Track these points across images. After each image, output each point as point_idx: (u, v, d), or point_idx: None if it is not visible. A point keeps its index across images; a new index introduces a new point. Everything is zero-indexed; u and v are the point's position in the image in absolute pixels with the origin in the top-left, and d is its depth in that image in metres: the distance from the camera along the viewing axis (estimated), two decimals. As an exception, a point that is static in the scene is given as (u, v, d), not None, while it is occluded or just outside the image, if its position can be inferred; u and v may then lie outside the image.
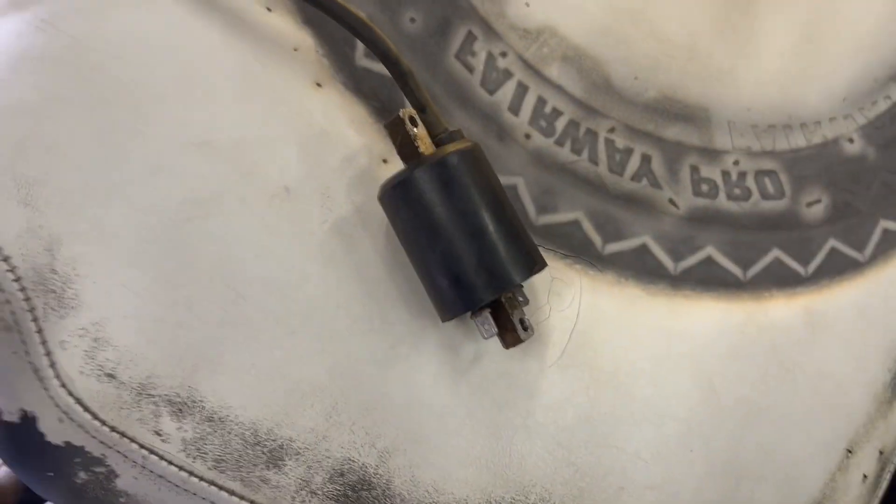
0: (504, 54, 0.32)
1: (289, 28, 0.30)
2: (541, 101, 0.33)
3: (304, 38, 0.31)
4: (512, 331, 0.27)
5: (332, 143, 0.30)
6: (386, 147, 0.31)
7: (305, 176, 0.30)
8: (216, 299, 0.28)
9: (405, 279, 0.30)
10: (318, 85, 0.30)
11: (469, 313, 0.28)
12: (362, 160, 0.30)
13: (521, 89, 0.33)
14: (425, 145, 0.27)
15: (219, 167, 0.29)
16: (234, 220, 0.29)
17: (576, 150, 0.33)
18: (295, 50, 0.30)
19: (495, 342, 0.30)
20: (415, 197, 0.26)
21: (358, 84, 0.31)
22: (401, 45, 0.32)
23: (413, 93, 0.28)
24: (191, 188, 0.28)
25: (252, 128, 0.29)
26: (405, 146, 0.27)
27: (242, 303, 0.28)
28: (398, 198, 0.27)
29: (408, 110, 0.27)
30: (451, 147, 0.27)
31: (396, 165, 0.30)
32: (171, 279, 0.28)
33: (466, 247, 0.26)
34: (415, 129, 0.27)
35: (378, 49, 0.28)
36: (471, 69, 0.32)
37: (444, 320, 0.28)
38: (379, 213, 0.30)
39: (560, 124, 0.33)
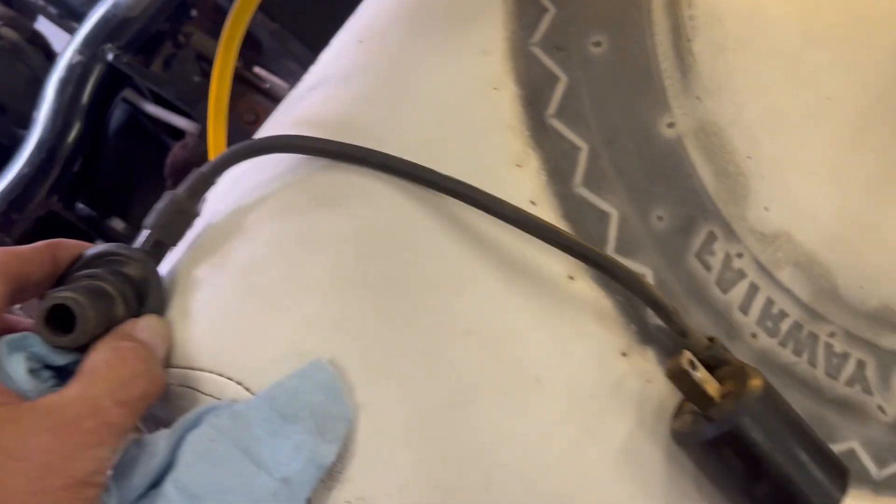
0: (740, 255, 0.34)
1: (550, 221, 0.32)
2: (769, 303, 0.34)
3: (562, 232, 0.32)
4: None
5: (579, 335, 0.32)
6: (626, 341, 0.32)
7: (553, 367, 0.31)
8: (471, 484, 0.30)
9: (638, 477, 0.31)
10: (571, 278, 0.32)
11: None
12: (605, 354, 0.32)
13: (753, 290, 0.34)
14: (712, 387, 0.29)
15: (482, 355, 0.30)
16: (492, 408, 0.30)
17: (797, 352, 0.34)
18: (554, 244, 0.32)
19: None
20: (728, 451, 0.28)
21: (605, 279, 0.32)
22: (647, 240, 0.33)
23: (675, 324, 0.30)
24: (457, 375, 0.30)
25: (511, 318, 0.31)
26: (694, 392, 0.29)
27: (494, 489, 0.30)
28: (707, 451, 0.28)
29: (686, 356, 0.29)
30: (749, 394, 0.28)
31: (635, 358, 0.32)
32: (431, 462, 0.30)
33: (791, 485, 0.27)
34: (698, 374, 0.29)
35: (646, 298, 0.30)
36: (708, 268, 0.34)
37: None
38: (617, 409, 0.31)
39: (785, 326, 0.34)
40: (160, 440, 0.26)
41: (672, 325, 0.30)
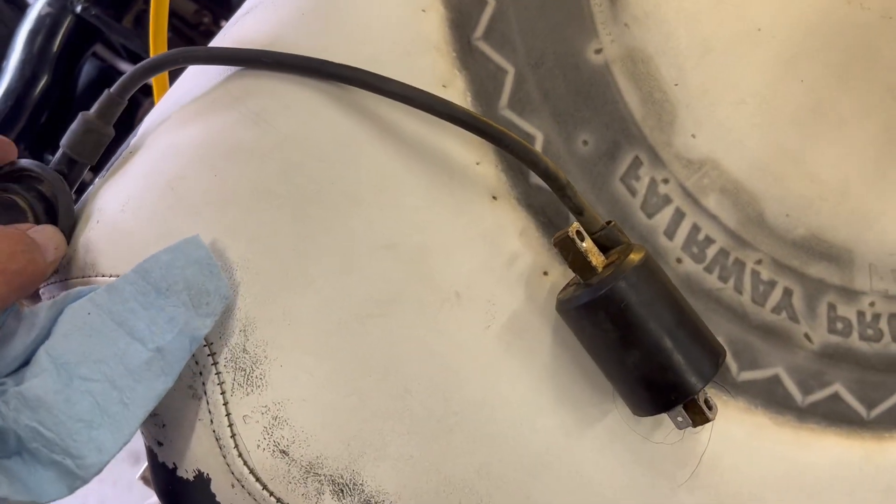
0: (666, 181, 0.34)
1: (474, 142, 0.33)
2: (695, 229, 0.34)
3: (486, 153, 0.33)
4: (699, 412, 0.29)
5: (501, 254, 0.32)
6: (547, 260, 0.33)
7: (474, 283, 0.32)
8: (386, 392, 0.30)
9: (554, 391, 0.32)
10: (494, 198, 0.32)
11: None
12: (526, 272, 0.32)
13: (678, 216, 0.34)
14: (596, 258, 0.30)
15: (401, 269, 0.31)
16: (409, 321, 0.31)
17: (723, 278, 0.34)
18: (477, 164, 0.32)
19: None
20: (602, 315, 0.28)
21: (530, 200, 0.33)
22: (572, 165, 0.33)
23: (571, 200, 0.31)
24: (375, 287, 0.31)
25: (433, 234, 0.32)
26: (577, 261, 0.30)
27: (409, 398, 0.30)
28: (583, 316, 0.29)
29: (574, 226, 0.29)
30: (627, 263, 0.29)
31: (556, 277, 0.32)
32: (348, 370, 0.30)
33: (662, 355, 0.28)
34: (583, 244, 0.29)
35: (539, 168, 0.31)
36: (633, 193, 0.34)
37: (641, 415, 0.30)
38: (536, 324, 0.32)
39: (711, 252, 0.34)
40: (40, 312, 0.27)
41: (566, 202, 0.30)
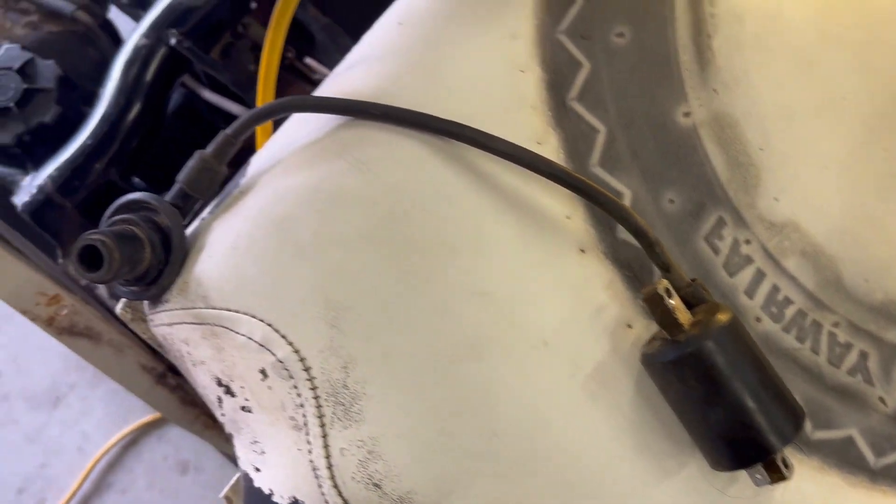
0: (748, 242, 0.35)
1: (565, 197, 0.34)
2: (775, 289, 0.35)
3: (575, 208, 0.34)
4: (777, 471, 0.30)
5: (587, 305, 0.34)
6: (632, 313, 0.34)
7: (562, 332, 0.33)
8: (475, 433, 0.32)
9: (634, 441, 0.33)
10: (582, 251, 0.34)
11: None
12: (611, 323, 0.34)
13: (759, 276, 0.35)
14: (683, 315, 0.31)
15: (493, 316, 0.33)
16: (499, 365, 0.32)
17: (800, 339, 0.35)
18: (567, 218, 0.34)
19: None
20: (689, 372, 0.30)
21: (616, 253, 0.34)
22: (658, 222, 0.35)
23: (659, 257, 0.32)
24: (468, 332, 0.32)
25: (524, 284, 0.33)
26: (665, 317, 0.31)
27: (496, 440, 0.32)
28: (669, 371, 0.30)
29: (663, 283, 0.31)
30: (715, 323, 0.30)
31: (639, 330, 0.34)
32: (440, 409, 0.32)
33: (745, 414, 0.29)
34: (671, 301, 0.31)
35: (630, 225, 0.32)
36: (716, 251, 0.35)
37: (720, 470, 0.31)
38: (620, 375, 0.33)
39: (789, 312, 0.35)
40: None
41: (654, 258, 0.32)
